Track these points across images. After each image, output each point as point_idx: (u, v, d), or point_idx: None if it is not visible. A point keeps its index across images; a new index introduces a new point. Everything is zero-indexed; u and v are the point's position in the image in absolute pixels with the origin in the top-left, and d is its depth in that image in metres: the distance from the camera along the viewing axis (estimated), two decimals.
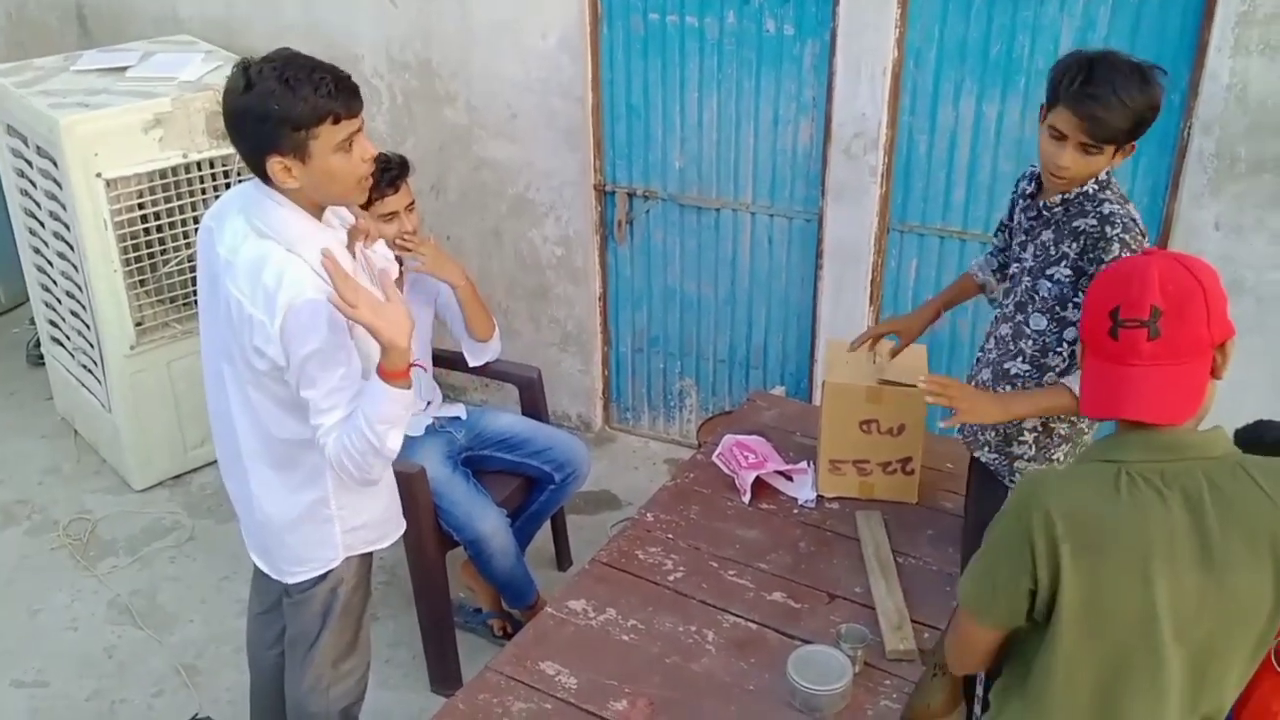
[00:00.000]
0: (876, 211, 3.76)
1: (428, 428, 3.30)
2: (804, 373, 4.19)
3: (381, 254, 2.48)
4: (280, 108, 2.00)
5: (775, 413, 3.53)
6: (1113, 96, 2.18)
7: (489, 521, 3.12)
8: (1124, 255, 2.22)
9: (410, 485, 3.03)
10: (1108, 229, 2.25)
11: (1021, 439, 2.51)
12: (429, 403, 3.39)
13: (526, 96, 4.15)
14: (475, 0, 4.07)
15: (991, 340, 2.56)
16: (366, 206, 3.01)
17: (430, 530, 3.12)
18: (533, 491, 3.46)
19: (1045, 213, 2.40)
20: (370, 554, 2.55)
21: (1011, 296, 2.49)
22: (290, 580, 2.46)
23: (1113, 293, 1.54)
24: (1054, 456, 2.50)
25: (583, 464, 3.42)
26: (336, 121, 2.05)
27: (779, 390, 4.05)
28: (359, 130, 2.12)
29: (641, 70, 3.97)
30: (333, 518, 2.37)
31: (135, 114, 3.80)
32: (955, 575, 2.73)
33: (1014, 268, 2.52)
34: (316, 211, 2.19)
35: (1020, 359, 2.46)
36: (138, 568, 3.83)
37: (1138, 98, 2.21)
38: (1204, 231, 3.29)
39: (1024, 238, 2.49)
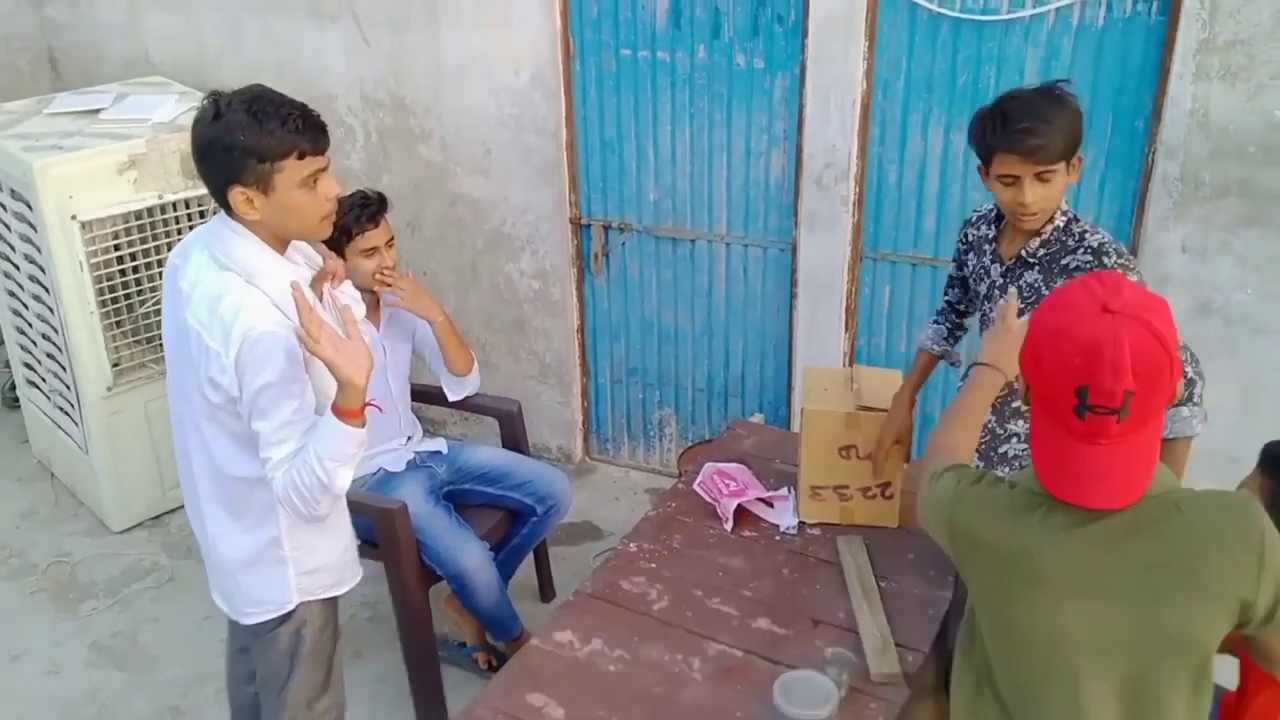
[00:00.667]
0: (849, 240, 3.81)
1: (409, 463, 3.30)
2: (782, 400, 4.22)
3: (347, 293, 2.48)
4: (246, 139, 2.03)
5: (755, 440, 3.55)
6: (1040, 123, 2.24)
7: (473, 556, 3.12)
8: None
9: (391, 521, 3.04)
10: (1105, 260, 2.29)
11: (1013, 432, 2.53)
12: (409, 437, 3.40)
13: (500, 133, 4.18)
14: (448, 38, 4.12)
15: None
16: (348, 241, 3.03)
17: (413, 566, 3.12)
18: (515, 524, 3.46)
19: (1029, 258, 2.44)
20: (334, 598, 2.54)
21: None
22: (248, 621, 2.44)
23: (1077, 367, 1.44)
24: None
25: (564, 496, 3.43)
26: (301, 157, 2.08)
27: (758, 418, 4.08)
28: (324, 169, 2.14)
29: (614, 105, 4.02)
30: (286, 559, 2.36)
31: (109, 156, 3.80)
32: (937, 598, 2.76)
33: (992, 312, 2.51)
34: (279, 246, 2.20)
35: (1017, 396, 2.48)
36: (118, 610, 3.80)
37: (1061, 112, 2.27)
38: (1171, 254, 3.36)
39: (1002, 280, 2.50)
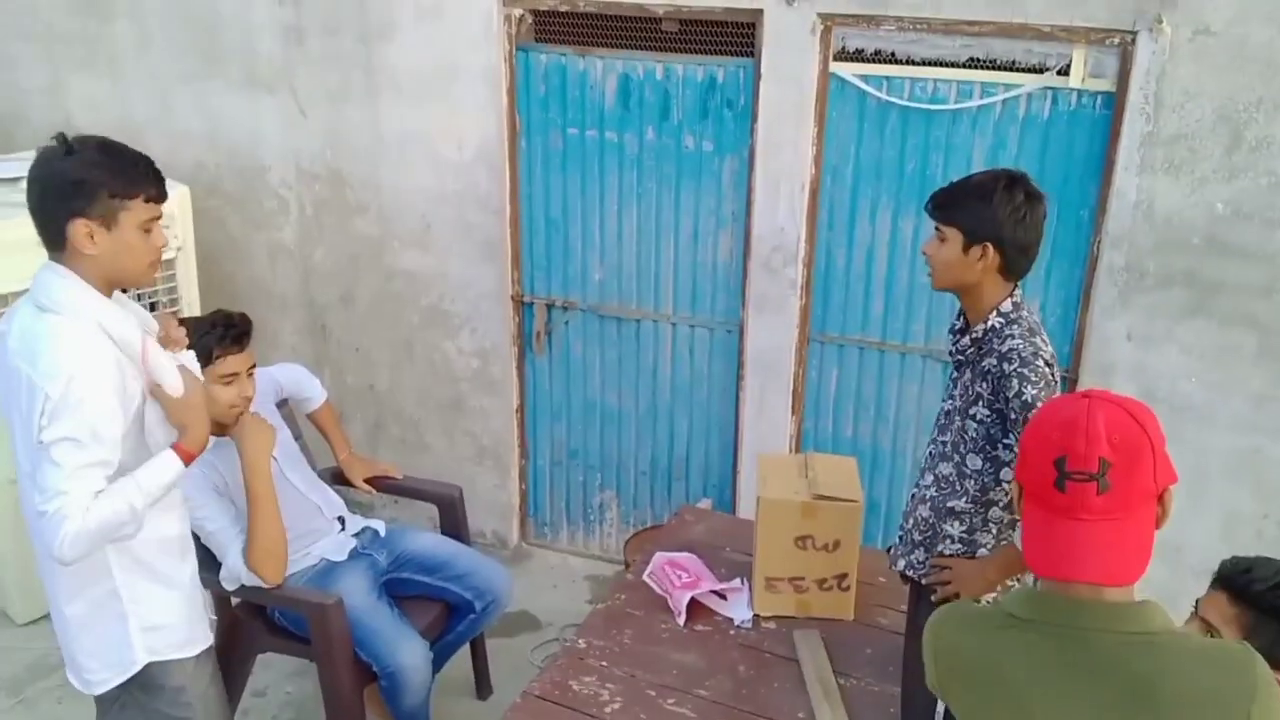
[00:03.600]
0: (797, 323, 3.78)
1: (351, 551, 3.14)
2: (727, 483, 4.14)
3: (185, 357, 2.46)
4: (100, 173, 2.11)
5: (704, 527, 3.46)
6: (945, 188, 2.36)
7: (413, 654, 2.95)
8: (1024, 392, 2.20)
9: (325, 617, 2.86)
10: (1005, 365, 2.25)
11: (948, 532, 2.44)
12: (340, 519, 3.23)
13: (441, 208, 4.09)
14: (388, 111, 4.03)
15: (930, 477, 2.48)
16: (206, 364, 2.79)
17: (347, 664, 2.93)
18: (451, 619, 3.30)
19: (959, 355, 2.42)
20: (203, 655, 2.45)
21: (948, 434, 2.45)
22: (97, 691, 2.36)
23: (1055, 440, 1.46)
24: (983, 542, 2.43)
25: (504, 593, 3.28)
26: (148, 200, 2.18)
27: (706, 503, 3.99)
28: (159, 219, 2.23)
29: (561, 183, 3.96)
30: (126, 614, 2.31)
31: (30, 227, 3.59)
32: (897, 696, 2.67)
33: (946, 404, 2.50)
34: (105, 290, 2.21)
35: (964, 498, 2.41)
36: (21, 711, 3.52)
37: (964, 187, 2.33)
38: (1116, 342, 3.38)
39: (954, 374, 2.48)
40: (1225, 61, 3.06)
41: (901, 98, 3.46)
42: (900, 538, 2.58)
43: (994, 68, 3.35)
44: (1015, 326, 2.29)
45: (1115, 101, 3.23)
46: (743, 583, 3.08)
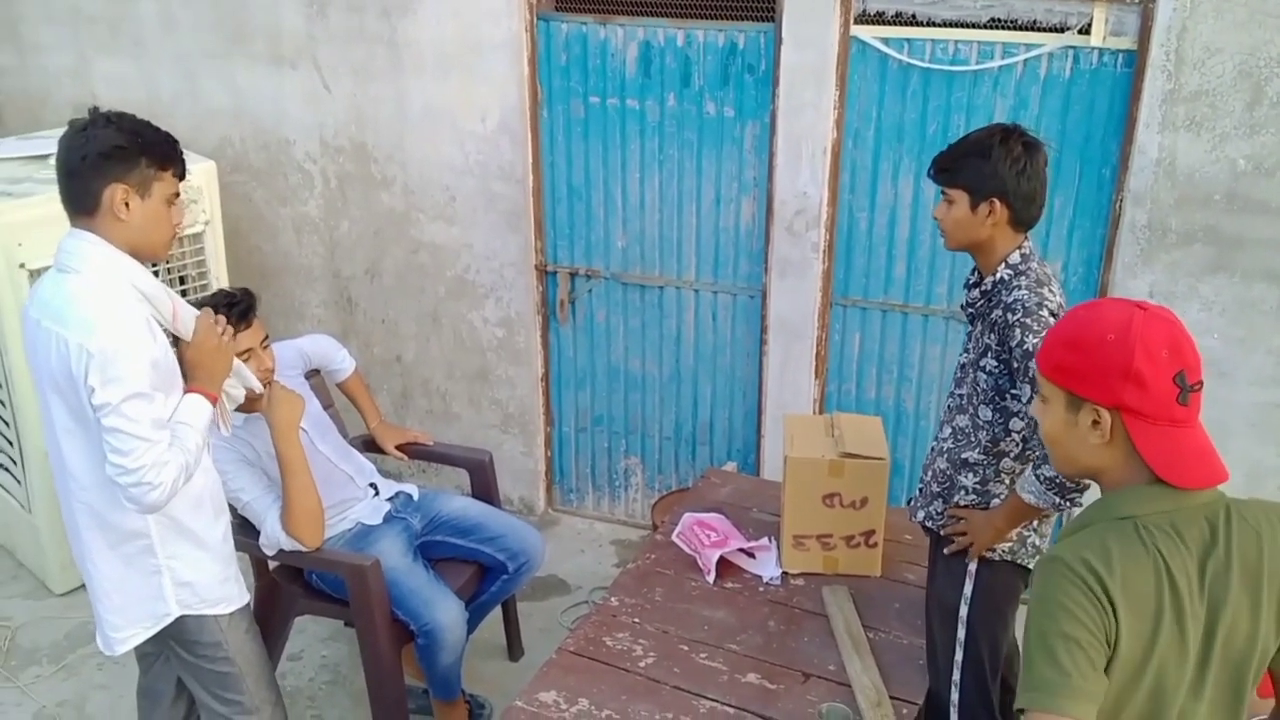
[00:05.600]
0: (819, 287, 3.80)
1: (386, 515, 3.20)
2: (751, 447, 4.18)
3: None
4: (144, 140, 2.22)
5: (731, 489, 3.51)
6: (944, 151, 2.43)
7: (449, 612, 3.01)
8: (1025, 342, 2.25)
9: (364, 578, 2.93)
10: (1009, 316, 2.31)
11: (962, 483, 2.51)
12: (373, 485, 3.29)
13: (465, 179, 4.13)
14: (412, 85, 4.07)
15: (948, 429, 2.56)
16: None
17: (385, 623, 3.00)
18: (484, 580, 3.35)
19: (971, 308, 2.49)
20: (238, 613, 2.53)
21: (963, 387, 2.51)
22: (118, 649, 2.43)
23: (1165, 359, 1.50)
24: (997, 493, 2.49)
25: (537, 553, 3.33)
26: (176, 175, 2.29)
27: (731, 466, 4.03)
28: (179, 196, 2.33)
29: (583, 152, 3.99)
30: (160, 568, 2.37)
31: (59, 202, 3.66)
32: (924, 648, 2.72)
33: (962, 357, 2.56)
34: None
35: (977, 449, 2.47)
36: (63, 676, 3.61)
37: (968, 136, 2.41)
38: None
39: (969, 327, 2.56)
40: (1246, 17, 3.06)
41: (923, 60, 3.47)
42: (920, 490, 2.65)
43: (1015, 27, 3.35)
44: (1022, 278, 2.35)
45: (1136, 59, 3.23)
46: (771, 541, 3.13)
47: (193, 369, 2.34)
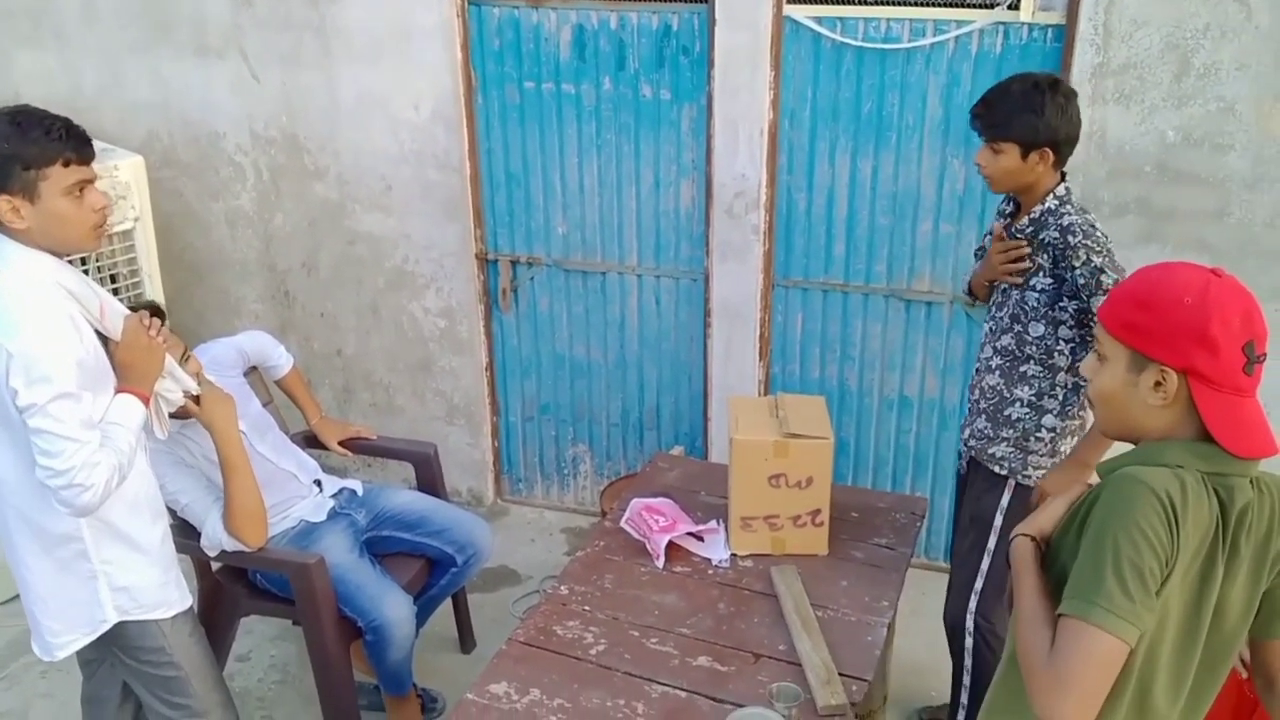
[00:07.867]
0: (761, 268, 3.81)
1: (330, 511, 3.16)
2: (698, 431, 4.19)
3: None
4: (10, 146, 2.09)
5: (678, 473, 3.50)
6: (982, 103, 2.62)
7: (398, 608, 2.98)
8: (1091, 259, 2.50)
9: (308, 576, 2.89)
10: (1070, 238, 2.54)
11: (1039, 435, 2.75)
12: (318, 482, 3.24)
13: (401, 168, 4.08)
14: (342, 73, 4.00)
15: (989, 349, 2.81)
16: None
17: (332, 621, 2.96)
18: (433, 574, 3.33)
19: (1018, 235, 2.69)
20: (180, 617, 2.48)
21: (1005, 309, 2.74)
22: (58, 654, 2.39)
23: (1238, 327, 1.50)
24: (1061, 449, 2.75)
25: (485, 545, 3.31)
26: (66, 165, 2.14)
27: (678, 450, 4.03)
28: (91, 180, 2.20)
29: (520, 138, 3.96)
30: (96, 574, 2.33)
31: None
32: (875, 624, 2.74)
33: (1002, 283, 2.77)
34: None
35: (1031, 362, 2.71)
36: (4, 686, 3.53)
37: (1003, 98, 2.58)
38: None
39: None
40: None
41: (855, 38, 3.48)
42: (969, 409, 2.92)
43: (946, 5, 3.37)
44: (1068, 205, 2.61)
45: (1065, 34, 3.26)
46: (719, 524, 3.13)
47: (124, 369, 2.29)
